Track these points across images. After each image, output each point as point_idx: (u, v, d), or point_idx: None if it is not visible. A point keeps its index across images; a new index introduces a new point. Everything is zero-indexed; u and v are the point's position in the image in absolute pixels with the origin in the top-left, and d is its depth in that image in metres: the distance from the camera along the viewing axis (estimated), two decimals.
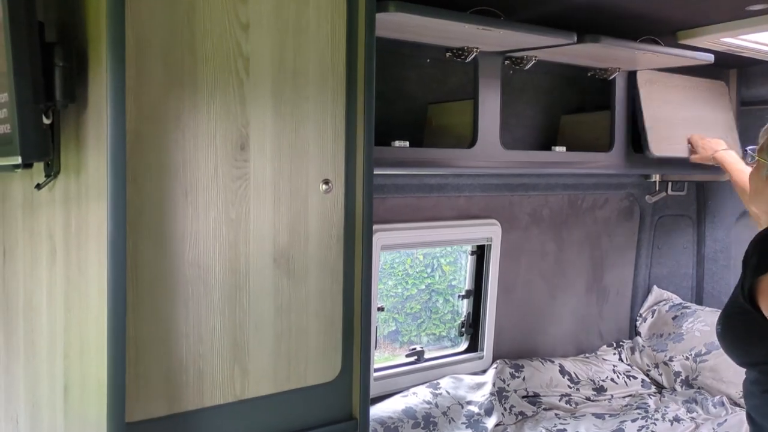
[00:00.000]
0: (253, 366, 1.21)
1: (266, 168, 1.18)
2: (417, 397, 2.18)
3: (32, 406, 1.25)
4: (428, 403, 2.18)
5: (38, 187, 1.07)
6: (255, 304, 1.20)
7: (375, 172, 1.69)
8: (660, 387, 2.64)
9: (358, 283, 1.35)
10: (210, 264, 1.15)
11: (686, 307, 2.82)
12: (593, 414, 2.38)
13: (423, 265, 4.22)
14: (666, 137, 2.25)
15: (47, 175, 1.07)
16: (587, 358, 2.69)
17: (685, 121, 2.29)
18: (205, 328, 1.15)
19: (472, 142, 1.92)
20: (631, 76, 2.24)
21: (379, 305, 2.16)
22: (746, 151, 1.46)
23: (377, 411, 2.07)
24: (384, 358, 2.58)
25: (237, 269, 1.18)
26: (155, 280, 1.09)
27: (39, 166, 1.12)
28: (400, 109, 1.96)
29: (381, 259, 4.30)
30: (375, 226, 2.03)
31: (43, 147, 0.81)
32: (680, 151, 2.27)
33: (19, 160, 0.78)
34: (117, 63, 0.89)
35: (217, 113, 1.12)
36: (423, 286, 4.00)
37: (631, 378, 2.64)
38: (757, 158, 1.33)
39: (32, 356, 1.24)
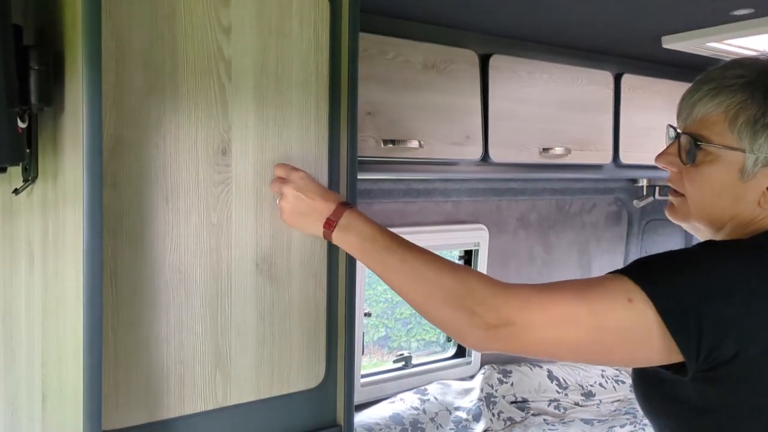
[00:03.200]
0: (236, 372, 1.20)
1: (248, 172, 1.17)
2: (404, 403, 2.17)
3: (12, 415, 1.22)
4: (416, 409, 2.17)
5: (16, 192, 1.06)
6: (237, 309, 1.19)
7: (360, 177, 1.69)
8: None
9: (342, 289, 1.33)
10: (191, 269, 1.13)
11: None
12: (582, 419, 2.37)
13: None
14: (638, 144, 2.26)
15: (25, 180, 1.05)
16: (576, 363, 2.69)
17: (663, 129, 2.29)
18: (186, 334, 1.14)
19: None
20: (618, 80, 2.24)
21: (366, 311, 2.15)
22: (675, 130, 1.08)
23: (364, 417, 2.05)
24: (373, 363, 2.57)
25: (219, 274, 1.16)
26: (135, 285, 1.08)
27: (17, 172, 1.10)
28: None
29: None
30: None
31: (18, 151, 0.80)
32: (648, 159, 2.27)
33: None
34: (92, 67, 0.87)
35: (199, 118, 1.11)
36: None
37: (619, 383, 2.64)
38: (715, 147, 1.00)
39: (12, 364, 1.22)
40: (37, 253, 1.09)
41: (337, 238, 1.14)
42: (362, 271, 2.06)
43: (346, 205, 1.16)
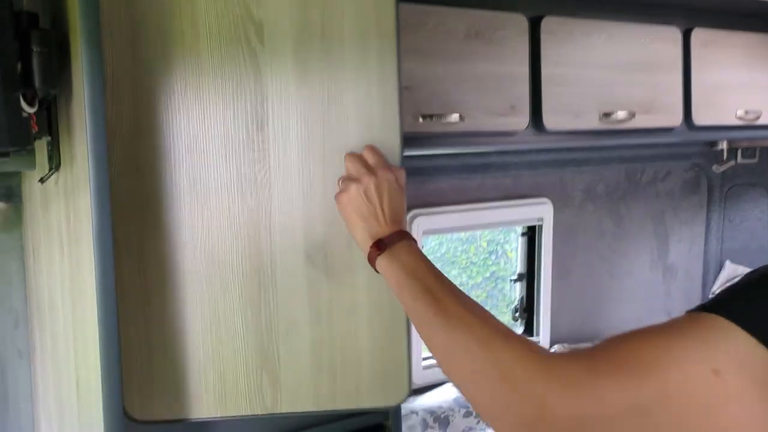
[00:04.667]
0: (286, 377, 1.09)
1: (292, 149, 1.06)
2: None
3: (59, 404, 1.25)
4: None
5: (41, 181, 1.07)
6: (284, 305, 1.08)
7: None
8: None
9: None
10: (226, 259, 1.06)
11: None
12: None
13: (487, 252, 4.13)
14: (713, 104, 2.09)
15: (49, 168, 1.06)
16: None
17: (742, 86, 2.11)
18: (225, 330, 1.07)
19: None
20: (687, 36, 2.08)
21: None
22: None
23: (426, 401, 2.01)
24: None
25: (260, 266, 1.07)
26: (164, 276, 1.05)
27: (45, 161, 1.11)
28: None
29: (444, 247, 4.22)
30: (415, 211, 1.98)
31: (19, 135, 0.79)
32: (726, 120, 2.10)
33: None
34: (91, 45, 0.85)
35: (226, 91, 1.03)
36: (488, 274, 3.91)
37: None
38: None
39: (56, 354, 1.24)
40: (64, 241, 1.10)
41: (381, 264, 0.99)
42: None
43: (408, 235, 1.01)
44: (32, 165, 1.25)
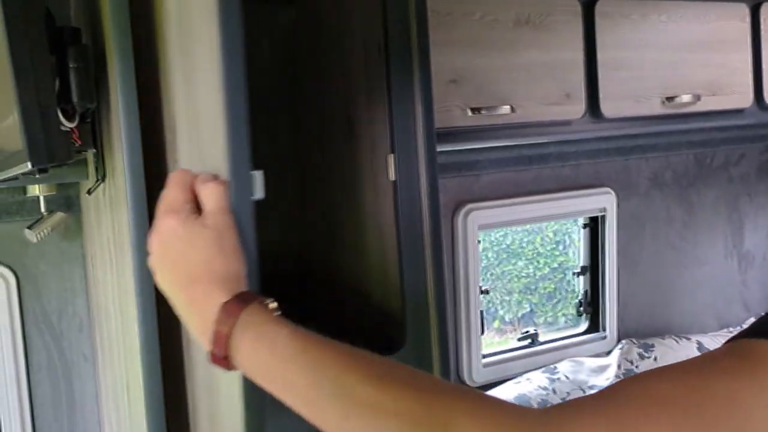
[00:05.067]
0: None
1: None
2: (531, 383, 2.05)
3: (116, 407, 1.28)
4: (544, 389, 2.05)
5: (89, 192, 1.09)
6: None
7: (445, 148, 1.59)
8: None
9: (431, 276, 1.24)
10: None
11: None
12: None
13: (554, 242, 4.04)
14: None
15: (96, 180, 1.08)
16: (731, 332, 2.41)
17: None
18: None
19: None
20: (756, 11, 1.96)
21: (483, 288, 2.05)
22: None
23: None
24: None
25: None
26: None
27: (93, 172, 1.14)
28: None
29: (509, 238, 4.15)
30: (470, 205, 1.94)
31: (58, 150, 0.81)
32: None
33: (28, 166, 0.78)
34: (124, 57, 0.86)
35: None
36: (555, 265, 3.82)
37: None
38: None
39: (111, 359, 1.27)
40: (112, 250, 1.12)
41: (237, 350, 0.65)
42: (474, 246, 1.97)
43: (247, 298, 0.67)
44: (85, 175, 1.29)
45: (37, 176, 0.82)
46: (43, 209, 1.41)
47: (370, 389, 0.58)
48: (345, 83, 1.43)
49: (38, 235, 1.39)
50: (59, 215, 1.42)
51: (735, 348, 0.55)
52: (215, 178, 0.70)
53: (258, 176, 0.69)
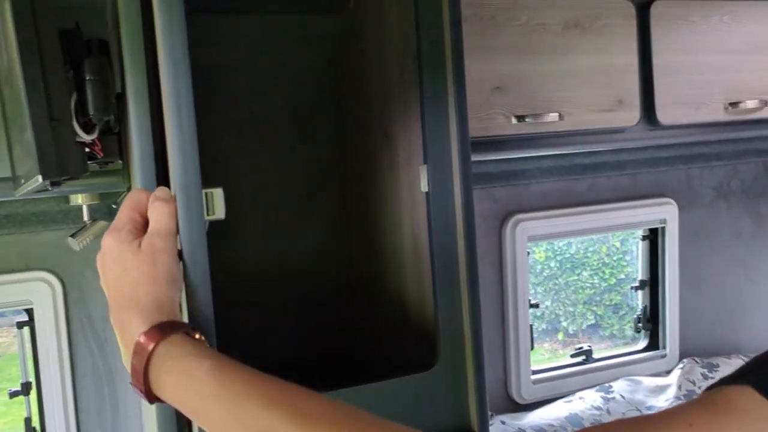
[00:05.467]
0: None
1: None
2: (584, 402, 1.97)
3: (152, 417, 1.29)
4: (598, 408, 1.96)
5: (115, 204, 1.09)
6: None
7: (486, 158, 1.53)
8: None
9: (465, 291, 1.19)
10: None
11: None
12: None
13: (620, 252, 3.89)
14: None
15: (123, 191, 1.09)
16: None
17: None
18: None
19: None
20: None
21: (533, 302, 1.98)
22: None
23: (535, 418, 1.90)
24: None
25: None
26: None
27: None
28: None
29: (573, 248, 4.03)
30: (519, 215, 1.88)
31: (71, 164, 0.81)
32: None
33: (39, 179, 0.79)
34: (136, 72, 0.86)
35: None
36: (622, 275, 3.68)
37: None
38: None
39: None
40: None
41: (157, 384, 0.63)
42: (523, 258, 1.90)
43: (167, 329, 0.64)
44: (122, 185, 1.30)
45: (50, 189, 0.83)
46: (86, 218, 1.43)
47: (294, 428, 0.55)
48: (383, 93, 1.40)
49: (81, 243, 1.42)
50: (101, 224, 1.44)
51: (708, 398, 0.52)
52: (171, 196, 0.68)
53: (216, 194, 0.67)
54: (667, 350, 2.14)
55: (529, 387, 1.95)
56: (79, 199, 1.42)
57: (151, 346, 0.62)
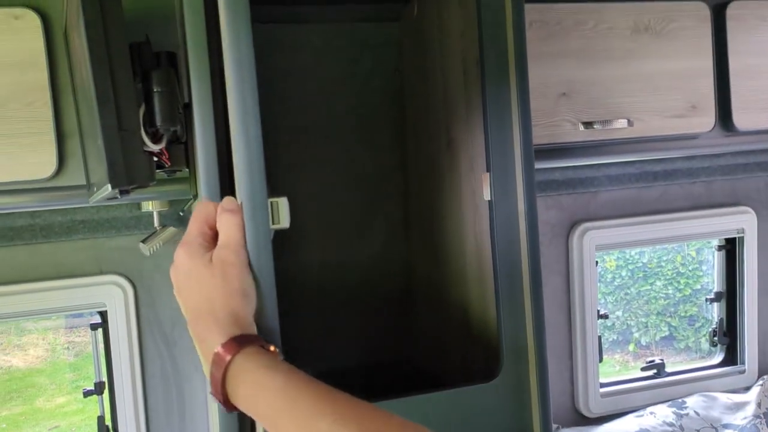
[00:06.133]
0: None
1: None
2: (655, 418, 1.90)
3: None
4: (670, 425, 1.88)
5: (182, 212, 1.12)
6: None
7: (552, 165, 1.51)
8: None
9: (528, 300, 1.16)
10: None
11: None
12: None
13: (696, 262, 3.74)
14: None
15: (190, 199, 1.12)
16: None
17: None
18: None
19: None
20: None
21: (602, 312, 1.92)
22: None
23: None
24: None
25: None
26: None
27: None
28: None
29: (646, 257, 3.89)
30: (587, 224, 1.83)
31: (139, 173, 0.83)
32: None
33: (109, 188, 0.81)
34: (201, 82, 0.87)
35: None
36: (698, 286, 3.54)
37: None
38: None
39: None
40: None
41: (233, 394, 0.66)
42: (591, 268, 1.85)
43: (243, 341, 0.66)
44: (189, 192, 1.33)
45: (119, 197, 0.85)
46: (156, 224, 1.48)
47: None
48: (445, 99, 1.39)
49: (151, 249, 1.46)
50: (171, 230, 1.48)
51: None
52: (238, 207, 0.69)
53: (281, 204, 0.67)
54: (746, 365, 2.04)
55: (597, 400, 1.90)
56: (149, 206, 1.46)
57: (228, 358, 0.63)
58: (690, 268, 3.64)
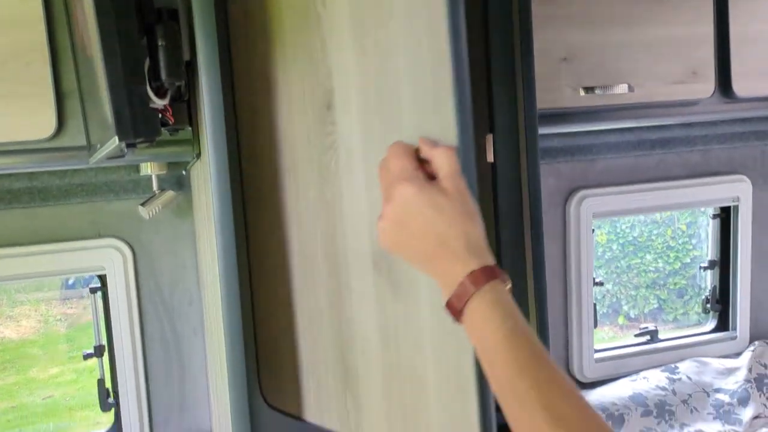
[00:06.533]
0: (367, 402, 0.90)
1: (353, 130, 0.85)
2: (648, 382, 1.92)
3: (214, 379, 1.32)
4: (663, 389, 1.91)
5: (185, 170, 1.12)
6: (359, 318, 0.89)
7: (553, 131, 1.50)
8: None
9: (530, 266, 1.16)
10: (313, 255, 0.95)
11: None
12: None
13: (686, 235, 3.77)
14: None
15: (192, 158, 1.11)
16: None
17: None
18: (317, 333, 0.96)
19: None
20: None
21: (597, 279, 1.94)
22: None
23: (598, 396, 1.87)
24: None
25: (337, 267, 0.91)
26: (281, 263, 1.03)
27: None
28: None
29: (636, 230, 3.92)
30: (585, 191, 1.84)
31: (145, 126, 0.83)
32: None
33: (116, 141, 0.81)
34: (208, 36, 0.87)
35: (303, 67, 0.90)
36: (688, 260, 3.57)
37: None
38: None
39: (211, 332, 1.31)
40: (207, 224, 1.14)
41: (467, 319, 0.68)
42: (588, 235, 1.86)
43: (484, 274, 0.67)
44: (189, 155, 1.33)
45: (124, 151, 0.85)
46: (155, 187, 1.47)
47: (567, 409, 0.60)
48: None
49: (150, 212, 1.46)
50: (170, 193, 1.48)
51: None
52: (435, 145, 0.69)
53: (489, 140, 0.68)
54: (738, 332, 2.07)
55: (592, 365, 1.92)
56: (148, 169, 1.45)
57: (472, 290, 0.65)
58: (680, 241, 3.66)
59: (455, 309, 0.67)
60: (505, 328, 0.64)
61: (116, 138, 0.80)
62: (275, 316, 1.05)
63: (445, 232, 0.66)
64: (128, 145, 0.82)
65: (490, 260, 0.67)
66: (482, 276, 0.65)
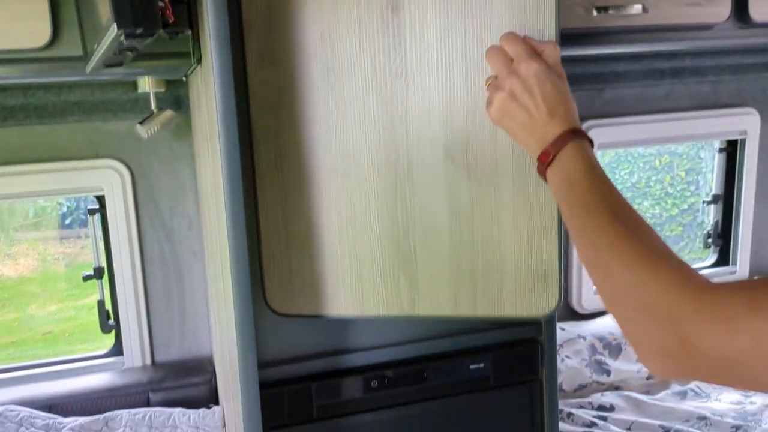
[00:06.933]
0: (423, 279, 1.03)
1: (429, 32, 0.95)
2: None
3: (217, 298, 1.31)
4: None
5: (185, 76, 1.08)
6: (421, 205, 1.01)
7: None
8: None
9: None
10: (360, 153, 1.02)
11: None
12: None
13: (685, 182, 3.76)
14: None
15: (192, 63, 1.07)
16: None
17: None
18: (361, 228, 1.05)
19: None
20: None
21: None
22: None
23: (596, 326, 1.87)
24: None
25: (396, 161, 1.01)
26: (302, 170, 1.05)
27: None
28: None
29: (635, 177, 3.90)
30: (591, 122, 1.81)
31: (145, 16, 0.79)
32: None
33: (115, 29, 0.77)
34: None
35: None
36: (685, 206, 3.57)
37: None
38: None
39: (213, 252, 1.29)
40: (208, 137, 1.11)
41: (548, 176, 0.83)
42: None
43: (576, 134, 0.83)
44: (188, 66, 1.28)
45: (125, 43, 0.81)
46: (153, 106, 1.44)
47: (611, 227, 0.72)
48: None
49: (148, 131, 1.42)
50: (168, 113, 1.44)
51: None
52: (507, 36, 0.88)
53: None
54: (738, 267, 2.07)
55: (590, 297, 1.92)
56: (146, 86, 1.41)
57: (569, 139, 0.81)
58: (678, 188, 3.66)
59: (548, 155, 0.81)
60: (591, 165, 0.79)
61: (114, 26, 0.76)
62: (287, 228, 1.04)
63: (561, 102, 0.84)
64: (127, 36, 0.79)
65: (576, 124, 0.84)
66: (579, 133, 0.82)
